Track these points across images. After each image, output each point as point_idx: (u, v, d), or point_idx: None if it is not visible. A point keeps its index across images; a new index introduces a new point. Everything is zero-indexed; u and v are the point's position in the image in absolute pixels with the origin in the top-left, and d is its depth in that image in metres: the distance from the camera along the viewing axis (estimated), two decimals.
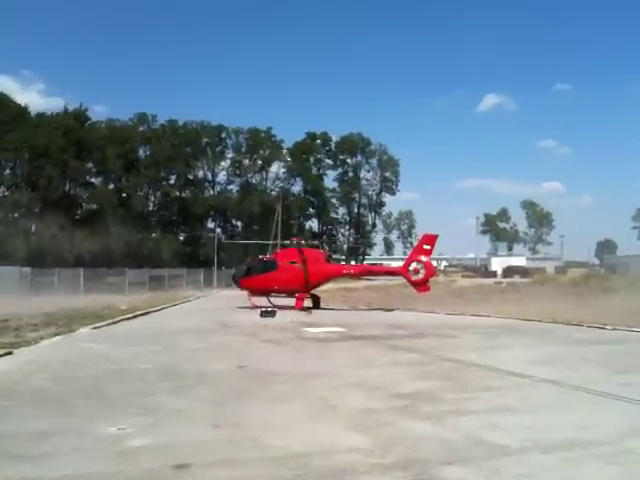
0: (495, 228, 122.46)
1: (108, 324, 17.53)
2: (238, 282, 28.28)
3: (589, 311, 19.58)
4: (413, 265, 26.79)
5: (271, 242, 27.15)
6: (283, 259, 27.26)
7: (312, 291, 27.78)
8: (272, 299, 26.34)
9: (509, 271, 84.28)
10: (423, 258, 26.77)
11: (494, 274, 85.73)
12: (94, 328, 16.24)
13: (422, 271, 26.43)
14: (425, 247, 27.08)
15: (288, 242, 30.58)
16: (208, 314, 23.13)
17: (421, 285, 26.85)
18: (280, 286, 26.51)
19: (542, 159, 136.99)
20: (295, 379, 8.79)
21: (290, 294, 26.65)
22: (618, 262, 62.18)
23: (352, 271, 34.88)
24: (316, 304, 27.70)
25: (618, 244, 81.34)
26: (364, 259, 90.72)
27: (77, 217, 70.35)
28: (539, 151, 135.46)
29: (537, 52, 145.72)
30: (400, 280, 31.07)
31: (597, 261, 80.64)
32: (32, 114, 69.92)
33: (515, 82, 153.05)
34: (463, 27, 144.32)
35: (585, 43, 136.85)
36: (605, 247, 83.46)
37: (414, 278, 26.68)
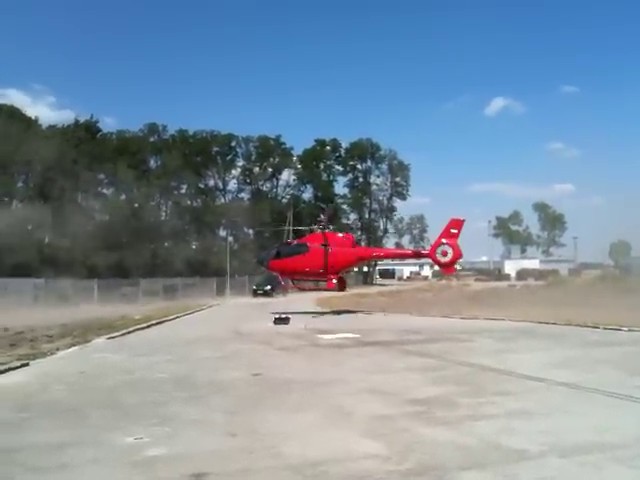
0: (507, 231, 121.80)
1: (123, 334, 17.60)
2: (267, 264, 29.11)
3: (604, 313, 19.41)
4: (441, 248, 27.53)
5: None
6: (313, 242, 28.09)
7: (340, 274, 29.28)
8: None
9: (523, 274, 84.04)
10: (450, 241, 27.42)
11: (508, 277, 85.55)
12: (109, 338, 16.32)
13: (450, 253, 27.31)
14: (452, 231, 27.59)
15: (315, 227, 31.26)
16: (221, 322, 23.18)
17: (448, 267, 28.72)
18: (311, 268, 27.59)
19: (551, 161, 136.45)
20: (310, 386, 8.78)
21: (319, 276, 28.35)
22: (633, 263, 61.54)
23: (382, 254, 36.95)
24: (342, 287, 29.63)
25: (632, 245, 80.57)
26: (376, 264, 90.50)
27: (90, 228, 70.77)
28: (548, 153, 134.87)
29: (542, 54, 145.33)
30: (413, 285, 31.72)
31: (611, 262, 79.87)
32: (43, 127, 70.59)
33: (522, 85, 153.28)
34: (468, 31, 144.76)
35: (590, 43, 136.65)
36: (619, 248, 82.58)
37: (442, 260, 27.75)
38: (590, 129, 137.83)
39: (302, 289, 34.03)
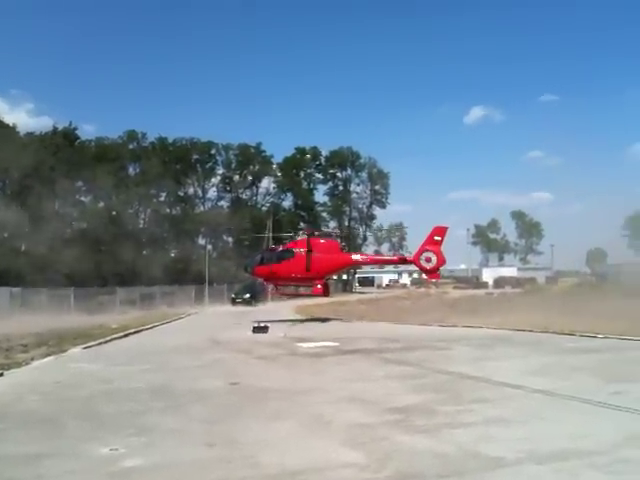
0: (486, 239, 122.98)
1: (99, 343, 17.41)
2: (253, 270, 29.34)
3: (580, 320, 19.62)
4: (425, 254, 28.24)
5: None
6: (299, 248, 28.32)
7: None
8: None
9: (500, 282, 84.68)
10: (434, 248, 28.18)
11: (485, 285, 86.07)
12: (85, 348, 16.13)
13: (434, 259, 28.06)
14: (436, 238, 28.36)
15: (301, 233, 32.20)
16: (200, 331, 23.02)
17: (432, 272, 29.40)
18: (296, 274, 27.84)
19: (530, 170, 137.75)
20: (289, 395, 8.76)
21: (304, 282, 28.87)
22: (609, 270, 62.35)
23: (367, 260, 37.74)
24: (326, 292, 30.47)
25: (608, 253, 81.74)
26: (355, 272, 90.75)
27: (67, 236, 70.04)
28: (527, 162, 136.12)
29: (522, 63, 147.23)
30: (392, 292, 32.13)
31: (588, 270, 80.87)
32: (21, 134, 69.87)
33: (501, 94, 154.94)
34: (448, 39, 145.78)
35: (570, 52, 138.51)
36: (595, 256, 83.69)
37: (426, 266, 28.44)
38: (568, 138, 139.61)
39: (286, 295, 34.44)
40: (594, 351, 13.29)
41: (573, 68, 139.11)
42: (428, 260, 28.07)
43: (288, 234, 39.36)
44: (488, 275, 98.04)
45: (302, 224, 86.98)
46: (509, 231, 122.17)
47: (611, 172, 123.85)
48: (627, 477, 4.88)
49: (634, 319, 18.02)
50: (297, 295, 34.78)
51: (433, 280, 30.06)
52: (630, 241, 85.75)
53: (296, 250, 28.23)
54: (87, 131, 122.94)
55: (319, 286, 28.55)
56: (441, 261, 28.51)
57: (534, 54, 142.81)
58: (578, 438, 5.98)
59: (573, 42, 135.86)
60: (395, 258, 42.07)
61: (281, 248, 29.94)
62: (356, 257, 35.55)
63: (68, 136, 73.27)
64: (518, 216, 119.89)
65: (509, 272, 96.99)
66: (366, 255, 46.75)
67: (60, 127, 73.78)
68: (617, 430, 6.24)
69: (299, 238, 30.81)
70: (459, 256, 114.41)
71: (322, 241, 29.43)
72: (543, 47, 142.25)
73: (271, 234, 64.89)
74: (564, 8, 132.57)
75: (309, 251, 27.85)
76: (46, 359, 13.68)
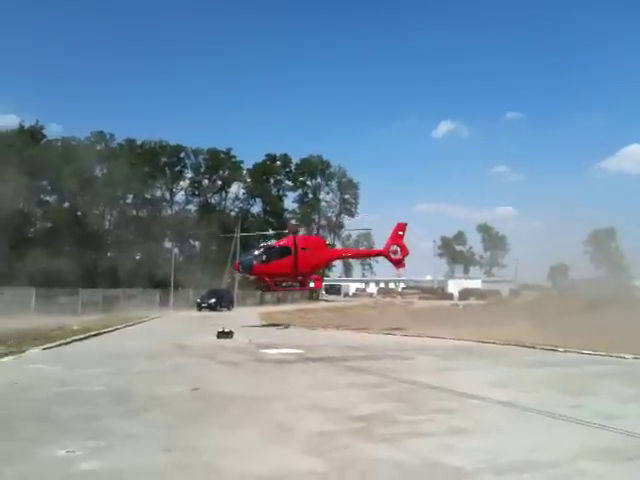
0: (451, 251, 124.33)
1: (59, 345, 17.08)
2: (251, 268, 29.66)
3: (542, 333, 19.90)
4: (392, 247, 32.17)
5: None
6: (294, 245, 29.21)
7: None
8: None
9: (465, 293, 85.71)
10: (399, 242, 32.17)
11: (451, 296, 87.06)
12: (45, 349, 15.82)
13: (399, 251, 32.05)
14: (399, 233, 32.41)
15: (286, 231, 33.29)
16: (163, 335, 22.77)
17: (399, 263, 32.90)
18: (295, 271, 29.28)
19: (495, 185, 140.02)
20: (251, 402, 8.68)
21: (302, 277, 30.24)
22: (570, 285, 63.49)
23: (349, 254, 50.84)
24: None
25: (570, 268, 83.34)
26: (323, 280, 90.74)
27: (30, 235, 68.77)
28: (492, 177, 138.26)
29: (489, 80, 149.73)
30: (357, 301, 33.48)
31: (550, 284, 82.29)
32: None
33: (469, 110, 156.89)
34: (418, 53, 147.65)
35: (534, 70, 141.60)
36: (558, 270, 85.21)
37: (394, 257, 32.21)
38: (533, 154, 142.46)
39: (279, 290, 36.98)
40: (555, 364, 13.46)
41: (537, 85, 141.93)
42: (395, 252, 31.97)
43: (260, 232, 41.02)
44: (453, 286, 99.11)
45: (270, 230, 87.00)
46: (475, 244, 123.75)
47: (574, 188, 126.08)
48: None
49: (594, 333, 18.36)
50: (292, 290, 37.34)
51: (400, 269, 34.11)
52: (592, 257, 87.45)
53: (292, 248, 29.04)
54: (54, 130, 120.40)
55: (318, 281, 32.62)
56: (404, 252, 32.18)
57: (500, 71, 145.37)
58: (537, 450, 6.03)
59: (538, 59, 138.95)
60: (373, 251, 48.02)
61: (277, 246, 30.38)
62: (341, 252, 41.86)
63: (34, 135, 72.10)
64: (484, 229, 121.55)
65: (474, 284, 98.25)
66: (349, 250, 55.39)
67: (26, 126, 72.59)
68: (576, 442, 6.31)
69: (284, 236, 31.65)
70: (425, 267, 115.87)
71: (311, 238, 31.96)
72: (509, 64, 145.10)
73: (239, 240, 64.70)
74: (530, 26, 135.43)
75: (303, 248, 29.20)
76: (4, 359, 13.39)
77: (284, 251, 29.05)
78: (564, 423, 7.25)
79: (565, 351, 15.74)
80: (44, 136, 74.88)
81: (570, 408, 8.00)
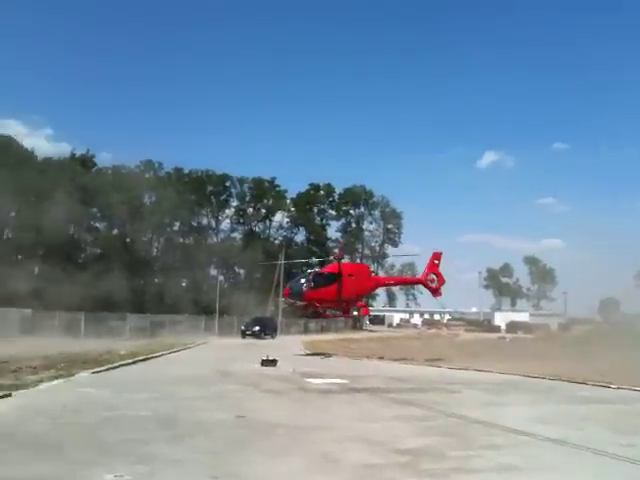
0: (498, 283, 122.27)
1: (107, 369, 17.38)
2: (301, 294, 29.46)
3: (593, 369, 19.33)
4: (430, 276, 33.38)
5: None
6: (343, 272, 29.45)
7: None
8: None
9: (512, 326, 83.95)
10: (435, 270, 33.29)
11: (497, 329, 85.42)
12: (93, 373, 16.11)
13: (436, 280, 33.21)
14: (435, 262, 33.37)
15: (331, 258, 33.91)
16: (208, 362, 22.91)
17: (436, 292, 33.79)
18: (344, 298, 29.56)
19: (541, 216, 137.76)
20: (295, 431, 8.64)
21: (348, 304, 30.82)
22: (622, 319, 61.61)
23: (391, 281, 55.05)
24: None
25: (621, 302, 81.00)
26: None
27: (80, 261, 70.51)
28: (538, 208, 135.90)
29: (536, 111, 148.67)
30: (402, 332, 33.63)
31: (600, 318, 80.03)
32: (39, 159, 70.99)
33: (514, 140, 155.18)
34: (464, 86, 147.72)
35: (581, 102, 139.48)
36: (608, 304, 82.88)
37: (431, 285, 33.43)
38: (580, 186, 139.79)
39: (328, 317, 39.47)
40: (607, 401, 13.05)
41: (584, 117, 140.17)
42: (432, 281, 33.22)
43: (303, 260, 41.74)
44: (500, 319, 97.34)
45: (314, 258, 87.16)
46: (522, 276, 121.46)
47: (624, 220, 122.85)
48: None
49: None
50: (341, 316, 38.52)
51: (437, 297, 35.67)
52: None
53: (341, 274, 29.20)
54: (104, 159, 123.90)
55: (357, 310, 33.56)
56: (441, 280, 33.22)
57: (546, 102, 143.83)
58: None
59: (585, 91, 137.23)
60: (412, 279, 51.13)
61: (324, 272, 30.34)
62: (384, 279, 44.50)
63: (86, 163, 74.44)
64: (531, 261, 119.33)
65: (521, 317, 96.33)
66: (391, 277, 58.56)
67: (78, 154, 74.94)
68: None
69: (329, 263, 31.87)
70: (470, 299, 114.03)
71: (355, 265, 32.47)
72: (555, 96, 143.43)
73: (283, 268, 65.06)
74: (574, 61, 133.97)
75: (349, 275, 29.43)
76: (54, 382, 13.66)
77: (331, 277, 29.09)
78: (616, 462, 6.99)
79: (618, 388, 15.25)
80: (95, 164, 77.20)
81: (623, 447, 7.72)
